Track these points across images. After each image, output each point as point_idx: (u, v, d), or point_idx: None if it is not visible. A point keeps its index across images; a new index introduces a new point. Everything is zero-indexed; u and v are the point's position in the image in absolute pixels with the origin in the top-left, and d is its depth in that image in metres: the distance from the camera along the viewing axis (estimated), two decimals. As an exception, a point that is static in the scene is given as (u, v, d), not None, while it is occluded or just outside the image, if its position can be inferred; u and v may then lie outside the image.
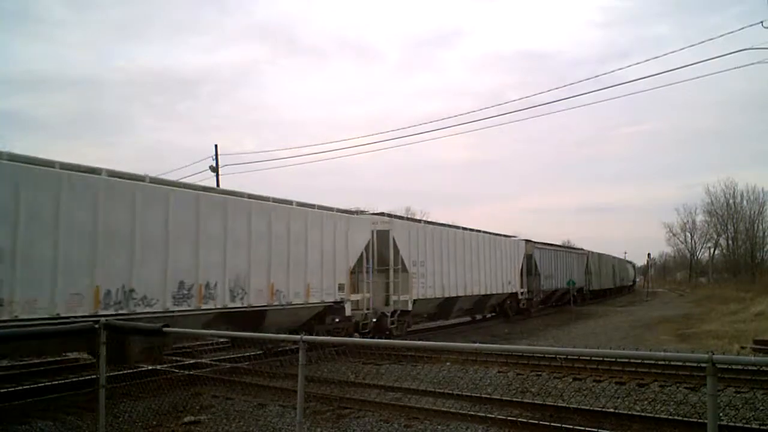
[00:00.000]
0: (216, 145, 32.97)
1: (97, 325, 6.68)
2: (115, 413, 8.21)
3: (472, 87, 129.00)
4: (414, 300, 18.54)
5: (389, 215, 19.56)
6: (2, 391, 9.95)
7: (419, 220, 22.53)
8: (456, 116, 79.40)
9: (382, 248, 17.65)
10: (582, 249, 43.17)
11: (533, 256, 29.75)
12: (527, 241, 30.15)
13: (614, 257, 57.35)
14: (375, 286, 17.13)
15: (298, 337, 5.47)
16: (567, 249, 39.15)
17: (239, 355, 13.61)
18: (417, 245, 19.09)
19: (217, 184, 29.86)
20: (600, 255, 48.19)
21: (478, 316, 27.03)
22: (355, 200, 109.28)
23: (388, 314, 17.48)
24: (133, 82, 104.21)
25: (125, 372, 10.20)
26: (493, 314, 27.73)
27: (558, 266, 34.05)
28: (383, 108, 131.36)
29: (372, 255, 16.96)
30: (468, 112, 55.57)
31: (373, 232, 17.01)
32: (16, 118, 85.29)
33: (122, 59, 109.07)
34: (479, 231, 24.18)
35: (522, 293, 27.92)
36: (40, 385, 10.73)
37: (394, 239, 17.88)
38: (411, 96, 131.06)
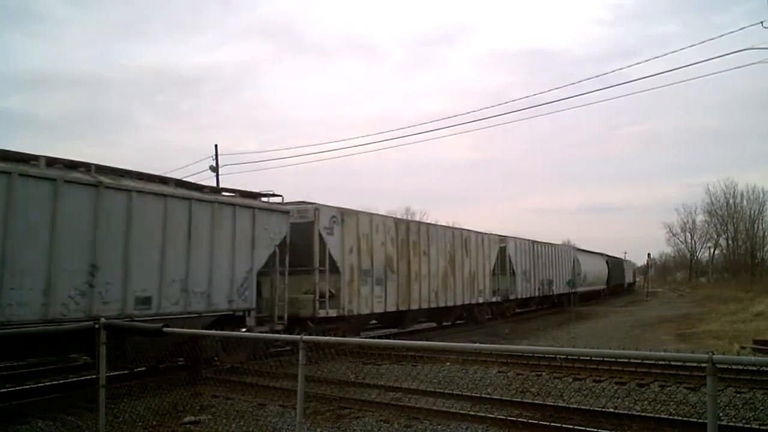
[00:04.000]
0: (216, 145, 33.09)
1: (96, 325, 6.68)
2: (115, 413, 8.19)
3: (475, 86, 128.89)
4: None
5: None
6: (2, 391, 9.95)
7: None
8: (459, 115, 79.42)
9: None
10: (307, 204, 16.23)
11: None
12: None
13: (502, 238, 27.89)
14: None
15: (297, 337, 5.47)
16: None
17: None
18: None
19: (217, 184, 29.89)
20: (458, 232, 22.88)
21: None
22: (356, 200, 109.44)
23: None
24: (135, 81, 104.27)
25: (125, 372, 10.21)
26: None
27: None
28: (386, 107, 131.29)
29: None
30: (471, 111, 55.74)
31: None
32: (17, 117, 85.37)
33: (124, 58, 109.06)
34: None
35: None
36: (40, 385, 10.74)
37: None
38: (414, 95, 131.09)
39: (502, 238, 27.18)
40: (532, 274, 29.75)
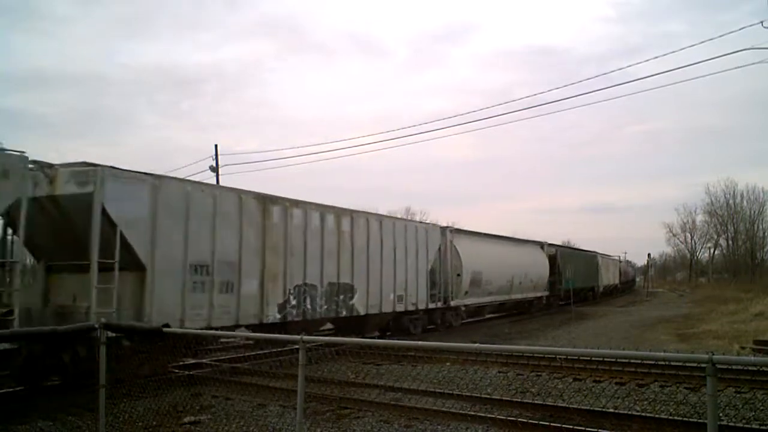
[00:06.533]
0: (216, 145, 33.06)
1: (96, 325, 6.69)
2: (115, 413, 8.19)
3: (478, 84, 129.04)
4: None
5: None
6: (2, 391, 9.94)
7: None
8: (461, 115, 79.26)
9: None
10: None
11: None
12: None
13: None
14: None
15: (298, 337, 5.46)
16: None
17: (239, 355, 13.65)
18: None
19: (217, 183, 29.87)
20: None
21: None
22: (357, 200, 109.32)
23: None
24: (137, 80, 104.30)
25: (125, 372, 10.19)
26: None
27: None
28: (389, 106, 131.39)
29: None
30: (473, 111, 55.53)
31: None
32: (21, 117, 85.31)
33: (126, 56, 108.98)
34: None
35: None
36: (39, 385, 10.72)
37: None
38: (417, 94, 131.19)
39: (112, 172, 10.56)
40: (247, 274, 12.93)
